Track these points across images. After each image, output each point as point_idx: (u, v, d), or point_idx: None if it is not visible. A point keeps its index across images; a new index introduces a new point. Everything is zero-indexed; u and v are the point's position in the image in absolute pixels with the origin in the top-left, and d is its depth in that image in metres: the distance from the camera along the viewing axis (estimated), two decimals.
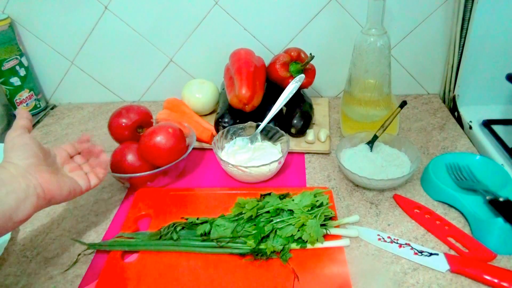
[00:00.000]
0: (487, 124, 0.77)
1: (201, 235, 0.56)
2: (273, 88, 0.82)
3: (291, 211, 0.57)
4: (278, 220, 0.56)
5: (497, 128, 0.76)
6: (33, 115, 0.96)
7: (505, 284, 0.48)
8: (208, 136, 0.78)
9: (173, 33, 0.90)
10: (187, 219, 0.59)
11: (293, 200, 0.58)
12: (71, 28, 0.90)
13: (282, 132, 0.73)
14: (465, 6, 0.78)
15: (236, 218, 0.57)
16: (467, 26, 0.79)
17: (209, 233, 0.56)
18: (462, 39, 0.82)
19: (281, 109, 0.77)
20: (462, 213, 0.60)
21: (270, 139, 0.75)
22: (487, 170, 0.64)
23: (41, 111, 0.98)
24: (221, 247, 0.55)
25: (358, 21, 0.85)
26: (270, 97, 0.79)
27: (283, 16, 0.86)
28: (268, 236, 0.55)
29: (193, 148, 0.70)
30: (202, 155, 0.78)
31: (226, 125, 0.76)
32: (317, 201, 0.58)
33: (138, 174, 0.64)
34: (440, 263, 0.52)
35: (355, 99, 0.76)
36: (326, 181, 0.69)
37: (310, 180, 0.69)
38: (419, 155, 0.66)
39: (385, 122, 0.70)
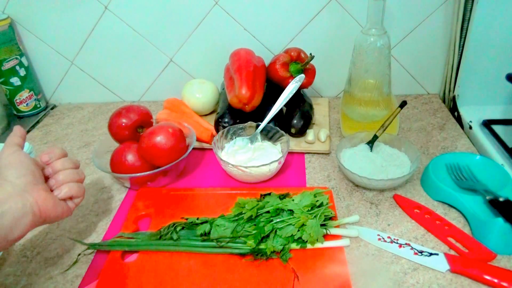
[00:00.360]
0: (487, 124, 0.77)
1: (201, 235, 0.56)
2: (273, 88, 0.82)
3: (291, 211, 0.57)
4: (278, 220, 0.56)
5: (497, 128, 0.76)
6: (33, 115, 0.96)
7: (505, 284, 0.48)
8: (208, 136, 0.78)
9: (173, 33, 0.90)
10: (187, 219, 0.59)
11: (293, 200, 0.58)
12: (71, 28, 0.90)
13: (282, 132, 0.73)
14: (465, 6, 0.78)
15: (236, 218, 0.57)
16: (467, 26, 0.79)
17: (209, 233, 0.56)
18: (462, 39, 0.82)
19: (281, 109, 0.77)
20: (462, 213, 0.60)
21: (270, 139, 0.75)
22: (487, 170, 0.64)
23: (41, 111, 0.98)
24: (221, 247, 0.55)
25: (358, 21, 0.85)
26: (270, 97, 0.79)
27: (283, 16, 0.86)
28: (268, 236, 0.55)
29: (193, 148, 0.70)
30: (202, 155, 0.78)
31: (226, 125, 0.76)
32: (317, 201, 0.58)
33: (138, 174, 0.64)
34: (440, 263, 0.52)
35: (355, 99, 0.76)
36: (326, 181, 0.69)
37: (310, 180, 0.69)
38: (419, 155, 0.66)
39: (385, 122, 0.70)
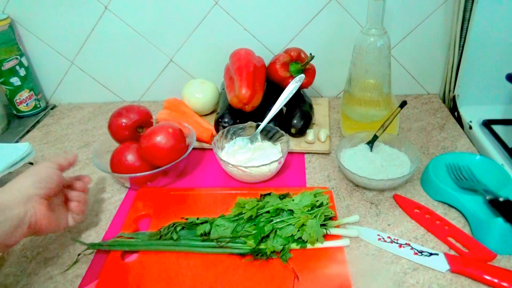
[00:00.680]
0: (487, 124, 0.77)
1: (201, 235, 0.56)
2: (273, 88, 0.82)
3: (291, 211, 0.57)
4: (278, 220, 0.56)
5: (497, 128, 0.76)
6: (33, 115, 0.96)
7: (505, 284, 0.48)
8: (208, 136, 0.78)
9: (173, 33, 0.90)
10: (187, 219, 0.59)
11: (293, 200, 0.58)
12: (71, 28, 0.90)
13: (282, 132, 0.73)
14: (465, 6, 0.78)
15: (236, 218, 0.57)
16: (467, 26, 0.79)
17: (209, 233, 0.56)
18: (462, 39, 0.82)
19: (281, 109, 0.77)
20: (462, 213, 0.60)
21: (270, 139, 0.75)
22: (487, 170, 0.64)
23: (41, 111, 0.98)
24: (221, 247, 0.55)
25: (358, 21, 0.85)
26: (270, 97, 0.79)
27: (283, 16, 0.86)
28: (268, 236, 0.55)
29: (193, 148, 0.70)
30: (202, 155, 0.78)
31: (226, 125, 0.76)
32: (317, 201, 0.58)
33: (138, 174, 0.64)
34: (440, 263, 0.52)
35: (355, 99, 0.76)
36: (326, 181, 0.69)
37: (310, 180, 0.69)
38: (419, 155, 0.66)
39: (385, 122, 0.70)
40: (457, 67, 0.85)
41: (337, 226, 0.58)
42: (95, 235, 0.61)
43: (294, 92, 0.76)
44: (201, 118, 0.84)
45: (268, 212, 0.57)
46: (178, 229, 0.57)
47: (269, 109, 0.74)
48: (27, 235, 0.49)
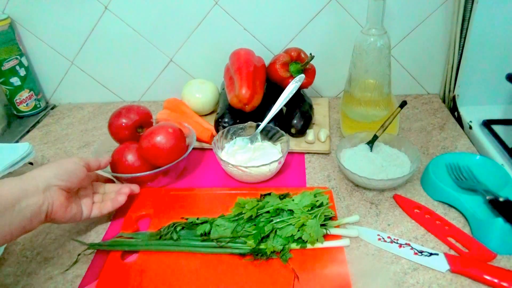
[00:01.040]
0: (487, 124, 0.77)
1: (201, 235, 0.56)
2: (273, 88, 0.82)
3: (291, 211, 0.57)
4: (278, 220, 0.56)
5: (497, 128, 0.76)
6: (33, 115, 0.96)
7: (505, 284, 0.48)
8: (208, 136, 0.78)
9: (173, 33, 0.90)
10: (187, 219, 0.59)
11: (293, 200, 0.58)
12: (71, 28, 0.90)
13: (282, 132, 0.73)
14: (465, 6, 0.78)
15: (236, 218, 0.57)
16: (467, 26, 0.79)
17: (209, 233, 0.56)
18: (462, 39, 0.82)
19: (281, 109, 0.77)
20: (462, 213, 0.60)
21: (270, 139, 0.75)
22: (487, 170, 0.64)
23: (41, 111, 0.98)
24: (221, 247, 0.55)
25: (358, 21, 0.85)
26: (270, 97, 0.79)
27: (283, 16, 0.86)
28: (268, 236, 0.55)
29: (193, 148, 0.70)
30: (202, 155, 0.78)
31: (226, 125, 0.76)
32: (317, 201, 0.58)
33: (138, 174, 0.64)
34: (440, 263, 0.52)
35: (355, 99, 0.76)
36: (326, 181, 0.69)
37: (310, 180, 0.69)
38: (419, 155, 0.66)
39: (385, 122, 0.70)
40: (457, 67, 0.85)
41: (337, 226, 0.58)
42: (95, 235, 0.61)
43: (294, 92, 0.76)
44: (201, 118, 0.84)
45: (268, 212, 0.57)
46: (178, 229, 0.57)
47: (269, 109, 0.74)
48: (44, 222, 0.51)
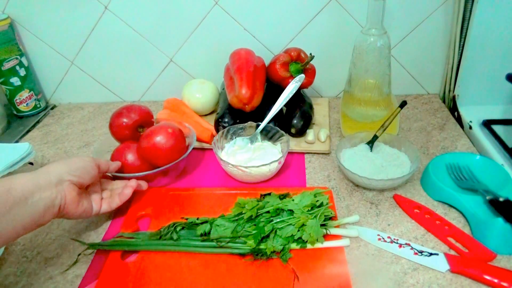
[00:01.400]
0: (487, 124, 0.77)
1: (201, 235, 0.56)
2: (273, 88, 0.82)
3: (291, 211, 0.57)
4: (278, 220, 0.56)
5: (497, 128, 0.76)
6: (33, 115, 0.96)
7: (505, 284, 0.48)
8: (208, 136, 0.78)
9: (173, 33, 0.90)
10: (187, 219, 0.59)
11: (293, 200, 0.58)
12: (71, 28, 0.90)
13: (282, 132, 0.73)
14: (465, 6, 0.78)
15: (236, 218, 0.57)
16: (467, 26, 0.79)
17: (209, 233, 0.56)
18: (462, 39, 0.82)
19: (281, 109, 0.77)
20: (462, 213, 0.60)
21: (270, 139, 0.75)
22: (487, 170, 0.64)
23: (41, 111, 0.98)
24: (221, 247, 0.55)
25: (358, 21, 0.85)
26: (270, 97, 0.79)
27: (283, 16, 0.86)
28: (268, 236, 0.55)
29: (193, 148, 0.70)
30: (202, 155, 0.78)
31: (226, 125, 0.76)
32: (317, 201, 0.58)
33: (138, 174, 0.64)
34: (440, 263, 0.52)
35: (355, 99, 0.76)
36: (326, 181, 0.69)
37: (310, 180, 0.69)
38: (419, 155, 0.66)
39: (385, 122, 0.70)
40: (457, 67, 0.85)
41: (337, 226, 0.58)
42: (95, 235, 0.61)
43: (294, 92, 0.76)
44: (201, 118, 0.84)
45: (268, 212, 0.57)
46: (178, 229, 0.57)
47: (269, 109, 0.74)
48: (57, 216, 0.52)
